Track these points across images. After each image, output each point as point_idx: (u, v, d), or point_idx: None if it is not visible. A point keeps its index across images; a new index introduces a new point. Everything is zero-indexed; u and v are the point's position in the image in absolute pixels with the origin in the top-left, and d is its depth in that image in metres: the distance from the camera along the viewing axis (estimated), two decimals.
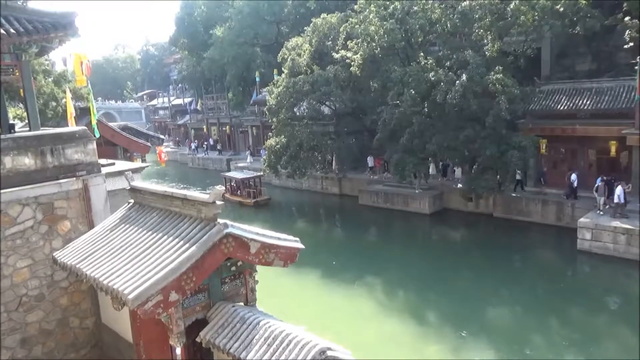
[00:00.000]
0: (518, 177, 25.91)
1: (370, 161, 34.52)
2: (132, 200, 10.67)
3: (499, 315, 17.60)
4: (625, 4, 23.99)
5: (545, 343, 15.21)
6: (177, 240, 8.25)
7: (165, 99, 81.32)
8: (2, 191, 10.22)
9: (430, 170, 31.09)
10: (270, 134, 37.04)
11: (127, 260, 8.49)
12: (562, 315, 17.00)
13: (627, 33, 23.31)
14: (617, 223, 20.83)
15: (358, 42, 29.82)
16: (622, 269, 19.92)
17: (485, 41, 26.82)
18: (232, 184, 36.93)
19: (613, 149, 23.90)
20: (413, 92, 25.80)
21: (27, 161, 10.67)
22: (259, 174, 36.01)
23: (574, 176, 24.22)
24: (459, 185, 29.16)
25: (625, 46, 23.95)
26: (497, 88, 23.98)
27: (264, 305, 9.41)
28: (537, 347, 15.03)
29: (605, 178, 22.61)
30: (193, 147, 61.04)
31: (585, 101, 24.65)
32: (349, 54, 30.60)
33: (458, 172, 30.36)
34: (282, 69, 35.61)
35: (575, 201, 24.17)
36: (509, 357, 14.54)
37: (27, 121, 13.32)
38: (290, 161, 32.81)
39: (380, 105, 29.36)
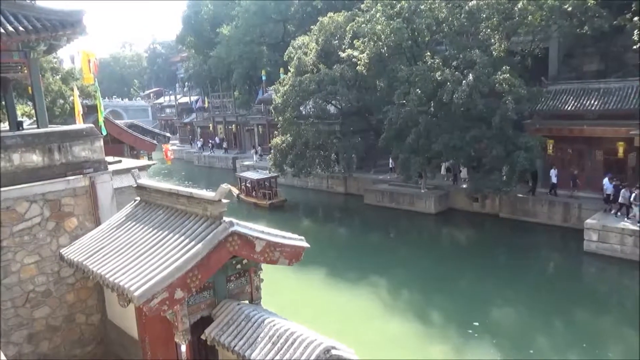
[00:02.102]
0: (554, 180, 25.41)
1: (392, 162, 34.12)
2: (138, 198, 10.73)
3: (503, 316, 17.54)
4: (634, 4, 23.80)
5: (550, 343, 15.15)
6: (182, 238, 8.29)
7: (172, 97, 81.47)
8: (10, 188, 10.30)
9: (441, 171, 31.03)
10: (276, 132, 37.03)
11: (133, 258, 8.55)
12: (567, 316, 16.90)
13: (635, 33, 23.10)
14: (624, 224, 20.69)
15: (364, 41, 29.75)
16: (629, 271, 19.76)
17: (493, 41, 26.68)
18: (247, 184, 35.98)
19: (621, 150, 23.72)
20: (419, 91, 25.71)
21: (35, 158, 10.76)
22: (274, 174, 35.01)
23: (606, 180, 23.39)
24: (464, 186, 29.08)
25: (634, 47, 23.71)
26: (504, 88, 23.85)
27: (269, 304, 9.44)
28: (541, 347, 14.97)
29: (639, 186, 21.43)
30: (199, 145, 61.15)
31: (592, 102, 24.47)
32: (356, 53, 30.54)
33: (464, 172, 30.24)
34: (289, 67, 35.61)
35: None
36: (514, 358, 14.50)
37: (35, 118, 13.40)
38: (296, 160, 32.81)
39: (386, 105, 29.26)
